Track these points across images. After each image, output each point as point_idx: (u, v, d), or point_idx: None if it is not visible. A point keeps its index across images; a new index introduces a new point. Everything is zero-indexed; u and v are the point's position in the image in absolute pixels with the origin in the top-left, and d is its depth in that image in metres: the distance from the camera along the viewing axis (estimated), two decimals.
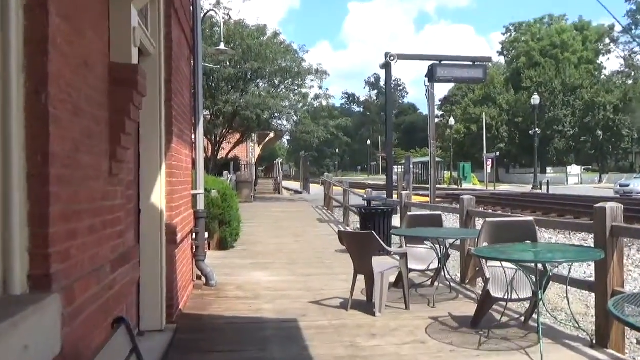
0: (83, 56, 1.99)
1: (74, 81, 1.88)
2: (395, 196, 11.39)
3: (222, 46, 8.39)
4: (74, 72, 1.88)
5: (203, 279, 5.54)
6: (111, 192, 2.31)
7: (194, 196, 5.46)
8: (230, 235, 8.06)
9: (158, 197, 3.86)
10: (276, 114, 20.12)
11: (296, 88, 20.12)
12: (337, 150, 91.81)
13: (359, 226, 9.40)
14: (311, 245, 8.62)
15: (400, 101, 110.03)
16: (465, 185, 38.05)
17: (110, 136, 2.28)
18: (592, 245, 3.65)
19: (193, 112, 5.57)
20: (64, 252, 1.75)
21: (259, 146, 33.66)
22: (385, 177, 13.15)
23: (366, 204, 8.27)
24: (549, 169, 45.45)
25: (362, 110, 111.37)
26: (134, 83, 2.33)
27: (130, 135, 2.47)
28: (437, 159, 28.35)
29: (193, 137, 5.51)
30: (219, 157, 20.80)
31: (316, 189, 26.81)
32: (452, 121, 46.55)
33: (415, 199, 14.92)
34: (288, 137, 30.88)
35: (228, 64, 18.59)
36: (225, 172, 16.45)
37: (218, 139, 19.91)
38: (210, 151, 19.95)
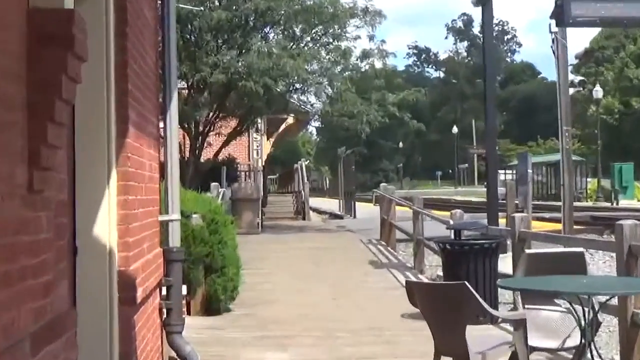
0: None
1: None
2: (503, 222, 11.27)
3: None
4: None
5: None
6: (31, 219, 2.36)
7: (164, 225, 5.55)
8: (224, 289, 8.13)
9: (105, 227, 3.95)
10: (297, 85, 20.32)
11: (331, 41, 20.26)
12: (400, 144, 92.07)
13: (440, 273, 9.32)
14: (360, 306, 8.62)
15: (509, 59, 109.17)
16: (623, 202, 37.23)
17: (30, 128, 2.34)
18: None
19: (161, 86, 5.67)
20: None
21: (268, 140, 34.08)
22: (485, 189, 13.04)
23: (453, 236, 8.22)
24: None
25: (442, 75, 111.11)
26: (68, 40, 2.38)
27: (62, 126, 2.53)
28: (574, 158, 27.75)
29: (161, 126, 5.61)
30: (202, 159, 21.11)
31: (367, 211, 26.78)
32: (598, 92, 45.55)
33: (537, 226, 14.64)
34: (318, 124, 31.04)
35: (217, 3, 18.90)
36: (213, 185, 16.67)
37: (201, 128, 20.25)
38: (188, 149, 20.29)
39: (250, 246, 13.87)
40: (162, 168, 5.62)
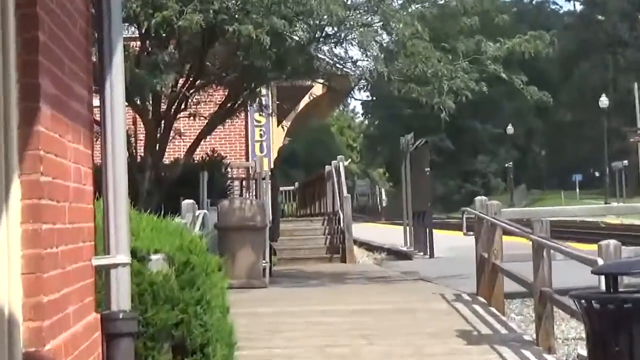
0: None
1: None
2: None
3: None
4: None
5: None
6: None
7: (102, 273, 5.54)
8: None
9: (1, 278, 3.96)
10: (329, 29, 20.25)
11: None
12: (510, 128, 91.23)
13: (583, 352, 9.19)
14: None
15: None
16: None
17: None
18: None
19: (96, 36, 5.69)
20: None
21: (280, 125, 33.95)
22: None
23: (604, 286, 8.14)
24: None
25: (579, 9, 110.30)
26: None
27: None
28: None
29: (97, 104, 5.62)
30: (167, 160, 21.13)
31: (453, 244, 26.63)
32: None
33: None
34: (366, 95, 30.84)
35: None
36: (186, 203, 16.69)
37: (165, 107, 20.27)
38: (144, 143, 20.29)
39: (251, 309, 13.81)
40: (99, 175, 5.63)
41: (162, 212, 11.06)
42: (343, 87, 24.96)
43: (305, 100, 31.86)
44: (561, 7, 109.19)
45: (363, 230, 40.69)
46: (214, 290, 8.44)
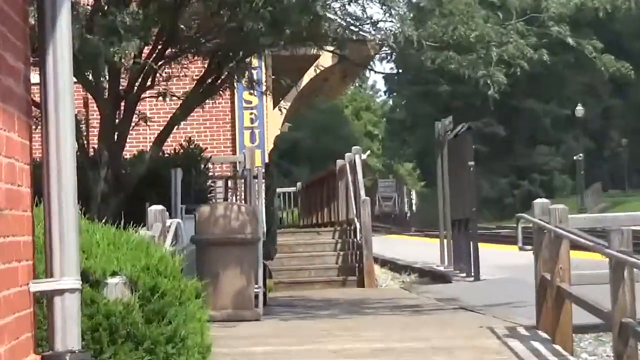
0: None
1: None
2: None
3: None
4: None
5: None
6: None
7: (44, 302, 5.56)
8: None
9: None
10: None
11: None
12: (579, 109, 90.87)
13: None
14: None
15: None
16: None
17: None
18: None
19: None
20: None
21: (277, 106, 33.97)
22: None
23: None
24: None
25: None
26: None
27: None
28: None
29: (36, 81, 5.64)
30: (128, 154, 21.16)
31: (504, 262, 26.59)
32: None
33: None
34: (390, 67, 30.85)
35: None
36: (153, 210, 16.71)
37: (126, 84, 20.31)
38: (98, 132, 20.34)
39: (239, 348, 13.84)
40: (40, 174, 5.64)
41: (123, 222, 11.10)
42: (359, 56, 24.98)
43: (309, 75, 31.79)
44: None
45: (387, 245, 40.78)
46: (191, 324, 8.45)
